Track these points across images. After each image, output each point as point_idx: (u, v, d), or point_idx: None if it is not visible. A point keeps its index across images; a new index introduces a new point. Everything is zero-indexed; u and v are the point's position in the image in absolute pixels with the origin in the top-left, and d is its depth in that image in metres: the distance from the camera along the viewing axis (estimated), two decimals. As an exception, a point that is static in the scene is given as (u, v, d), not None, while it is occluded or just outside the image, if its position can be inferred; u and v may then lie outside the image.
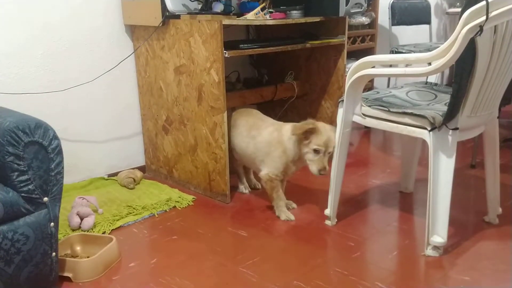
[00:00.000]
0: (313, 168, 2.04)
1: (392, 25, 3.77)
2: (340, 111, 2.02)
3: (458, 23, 1.56)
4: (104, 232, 2.08)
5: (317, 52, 2.86)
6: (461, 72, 1.67)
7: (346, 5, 2.52)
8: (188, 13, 2.34)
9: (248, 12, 2.41)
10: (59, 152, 1.57)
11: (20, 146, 1.48)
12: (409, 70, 1.80)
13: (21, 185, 1.50)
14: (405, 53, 3.41)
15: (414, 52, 3.38)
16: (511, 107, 3.54)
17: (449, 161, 1.77)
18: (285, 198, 2.27)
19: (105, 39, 2.57)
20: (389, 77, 3.75)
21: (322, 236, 2.07)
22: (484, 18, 1.51)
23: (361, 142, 3.48)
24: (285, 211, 2.22)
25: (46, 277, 1.62)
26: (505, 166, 2.72)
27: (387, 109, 1.88)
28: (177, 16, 2.32)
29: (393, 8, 3.74)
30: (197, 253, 1.94)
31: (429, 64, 1.69)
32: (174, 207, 2.36)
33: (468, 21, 1.53)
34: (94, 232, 2.07)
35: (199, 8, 2.43)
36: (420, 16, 4.02)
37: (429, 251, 1.87)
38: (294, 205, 2.33)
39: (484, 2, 1.50)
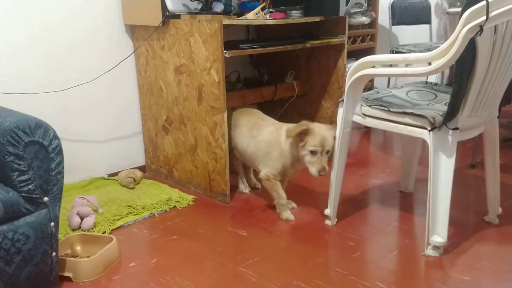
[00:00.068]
0: (312, 170, 2.01)
1: (392, 24, 3.77)
2: (340, 111, 2.02)
3: (458, 23, 1.56)
4: (104, 232, 2.08)
5: (317, 52, 2.86)
6: (461, 72, 1.67)
7: (346, 5, 2.52)
8: (188, 13, 2.34)
9: (248, 12, 2.41)
10: (59, 152, 1.57)
11: (21, 146, 1.48)
12: (409, 70, 1.80)
13: (22, 185, 1.50)
14: (405, 53, 3.40)
15: (414, 52, 3.38)
16: (511, 107, 3.54)
17: (449, 161, 1.77)
18: (285, 195, 2.24)
19: (105, 39, 2.57)
20: (389, 77, 3.75)
21: (322, 236, 2.07)
22: (484, 18, 1.51)
23: (361, 142, 3.48)
24: (286, 210, 2.22)
25: (46, 277, 1.62)
26: (505, 166, 2.72)
27: (387, 109, 1.88)
28: (177, 16, 2.32)
29: (393, 8, 3.74)
30: (197, 253, 1.94)
31: (429, 64, 1.69)
32: (174, 207, 2.36)
33: (468, 21, 1.53)
34: (94, 232, 2.07)
35: (199, 8, 2.43)
36: (420, 16, 4.02)
37: (429, 251, 1.87)
38: (294, 205, 2.33)
39: (484, 2, 1.50)
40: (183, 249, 1.97)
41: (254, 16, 2.38)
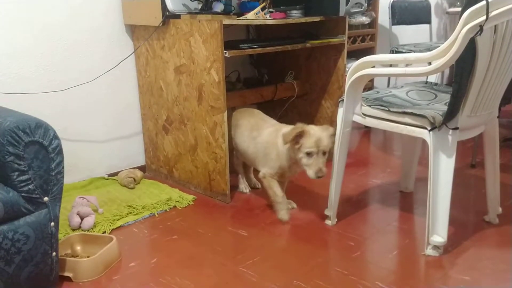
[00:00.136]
0: (310, 172, 1.97)
1: (392, 24, 3.77)
2: (340, 111, 2.02)
3: (458, 22, 1.56)
4: (104, 232, 2.08)
5: (317, 51, 2.86)
6: (461, 71, 1.67)
7: (346, 4, 2.52)
8: (188, 13, 2.34)
9: (248, 11, 2.41)
10: (59, 152, 1.57)
11: (21, 146, 1.48)
12: (409, 69, 1.80)
13: (22, 185, 1.50)
14: (405, 52, 3.40)
15: (414, 51, 3.38)
16: (511, 107, 3.54)
17: (449, 161, 1.77)
18: (282, 194, 2.20)
19: (105, 39, 2.57)
20: (389, 76, 3.75)
21: (322, 236, 2.07)
22: (484, 17, 1.51)
23: (361, 142, 3.48)
24: (283, 209, 2.18)
25: (47, 276, 1.62)
26: (505, 165, 2.72)
27: (387, 109, 1.88)
28: (177, 16, 2.32)
29: (393, 7, 3.74)
30: (197, 253, 1.94)
31: (429, 63, 1.69)
32: (174, 206, 2.36)
33: (468, 21, 1.53)
34: (94, 231, 2.07)
35: (199, 8, 2.43)
36: (420, 16, 4.02)
37: (429, 251, 1.87)
38: (294, 205, 2.34)
39: (484, 2, 1.50)
40: (183, 249, 1.97)
41: (254, 16, 2.38)
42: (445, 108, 1.77)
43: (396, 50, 3.52)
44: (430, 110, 1.83)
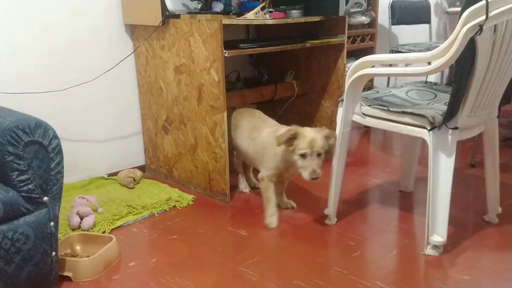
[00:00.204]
0: (304, 174, 1.93)
1: (392, 24, 3.77)
2: (340, 111, 2.02)
3: (458, 22, 1.56)
4: (104, 232, 2.08)
5: (317, 51, 2.86)
6: (461, 71, 1.67)
7: (346, 4, 2.52)
8: (188, 13, 2.35)
9: (248, 11, 2.41)
10: (59, 151, 1.57)
11: (20, 146, 1.48)
12: (408, 69, 1.80)
13: (21, 184, 1.50)
14: (405, 52, 3.41)
15: (414, 51, 3.38)
16: (510, 107, 3.54)
17: (449, 161, 1.78)
18: (275, 201, 2.18)
19: (105, 39, 2.57)
20: (388, 76, 3.76)
21: (322, 236, 2.07)
22: (484, 17, 1.51)
23: (361, 142, 3.48)
24: (272, 216, 2.15)
25: (46, 276, 1.62)
26: (504, 165, 2.73)
27: (387, 109, 1.88)
28: (177, 16, 2.32)
29: (393, 7, 3.74)
30: (197, 253, 1.94)
31: (429, 63, 1.69)
32: (174, 206, 2.36)
33: (468, 21, 1.53)
34: (94, 231, 2.07)
35: (199, 7, 2.43)
36: (420, 16, 4.02)
37: (429, 250, 1.87)
38: (294, 205, 2.33)
39: (484, 2, 1.50)
40: (183, 249, 1.97)
41: (254, 16, 2.38)
42: (445, 107, 1.77)
43: (396, 50, 3.53)
44: (430, 109, 1.83)
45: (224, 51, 2.18)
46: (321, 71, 2.88)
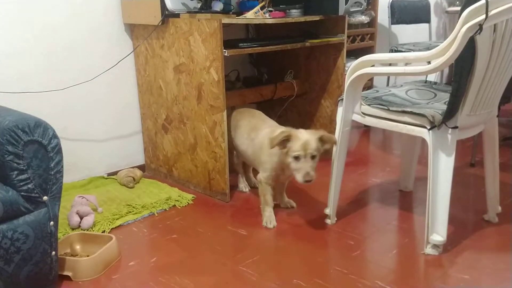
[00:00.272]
0: (298, 176, 1.91)
1: (392, 23, 3.77)
2: (340, 110, 2.02)
3: (457, 21, 1.56)
4: (103, 231, 2.08)
5: (317, 51, 2.86)
6: (461, 70, 1.67)
7: (346, 3, 2.52)
8: (188, 12, 2.34)
9: (248, 11, 2.41)
10: (58, 151, 1.57)
11: (20, 145, 1.48)
12: (408, 69, 1.80)
13: (21, 184, 1.50)
14: (404, 51, 3.41)
15: (414, 51, 3.38)
16: (510, 106, 3.54)
17: (449, 160, 1.78)
18: (272, 204, 2.18)
19: (104, 38, 2.57)
20: (388, 76, 3.75)
21: (322, 235, 2.07)
22: (483, 16, 1.51)
23: (361, 141, 3.48)
24: (269, 218, 2.15)
25: (46, 276, 1.62)
26: (504, 164, 2.73)
27: (386, 108, 1.88)
28: (177, 15, 2.32)
29: (392, 6, 3.74)
30: (197, 252, 1.94)
31: (429, 62, 1.69)
32: (174, 206, 2.36)
33: (467, 20, 1.53)
34: (93, 231, 2.07)
35: (199, 7, 2.43)
36: (420, 15, 4.02)
37: (429, 250, 1.87)
38: (294, 204, 2.33)
39: (483, 1, 1.50)
40: (183, 248, 1.97)
41: (254, 15, 2.38)
42: (445, 107, 1.77)
43: (396, 49, 3.52)
44: (430, 109, 1.83)
45: (224, 50, 2.18)
46: (320, 70, 2.88)
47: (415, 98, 2.06)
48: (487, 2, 1.49)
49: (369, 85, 3.75)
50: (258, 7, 2.41)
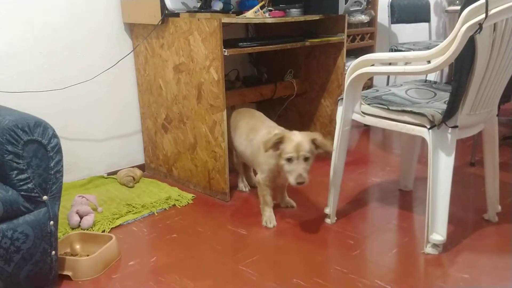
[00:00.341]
0: (290, 179, 1.88)
1: (392, 23, 3.77)
2: (340, 109, 2.02)
3: (457, 21, 1.56)
4: (103, 231, 2.08)
5: (317, 50, 2.86)
6: (461, 70, 1.67)
7: (346, 3, 2.52)
8: (187, 11, 2.34)
9: (247, 10, 2.41)
10: (58, 150, 1.57)
11: (20, 145, 1.48)
12: (408, 68, 1.80)
13: (21, 183, 1.50)
14: (404, 51, 3.40)
15: (414, 50, 3.38)
16: (510, 105, 3.54)
17: (449, 159, 1.78)
18: (272, 204, 2.18)
19: (104, 38, 2.57)
20: (388, 75, 3.75)
21: (322, 234, 2.07)
22: (483, 16, 1.51)
23: (361, 140, 3.48)
24: (269, 218, 2.15)
25: (46, 275, 1.62)
26: (504, 164, 2.73)
27: (386, 107, 1.88)
28: (177, 14, 2.32)
29: (392, 6, 3.74)
30: (197, 251, 1.94)
31: (429, 62, 1.69)
32: (174, 205, 2.36)
33: (467, 19, 1.53)
34: (93, 230, 2.07)
35: (198, 6, 2.43)
36: (420, 14, 4.02)
37: (429, 249, 1.87)
38: (294, 204, 2.33)
39: (483, 0, 1.50)
40: (183, 248, 1.97)
41: (253, 15, 2.37)
42: (445, 106, 1.77)
43: (396, 48, 3.52)
44: (430, 108, 1.82)
45: (224, 49, 2.18)
46: (320, 69, 2.88)
47: (415, 97, 2.06)
48: (487, 2, 1.49)
49: (369, 85, 3.75)
50: (258, 7, 2.41)
